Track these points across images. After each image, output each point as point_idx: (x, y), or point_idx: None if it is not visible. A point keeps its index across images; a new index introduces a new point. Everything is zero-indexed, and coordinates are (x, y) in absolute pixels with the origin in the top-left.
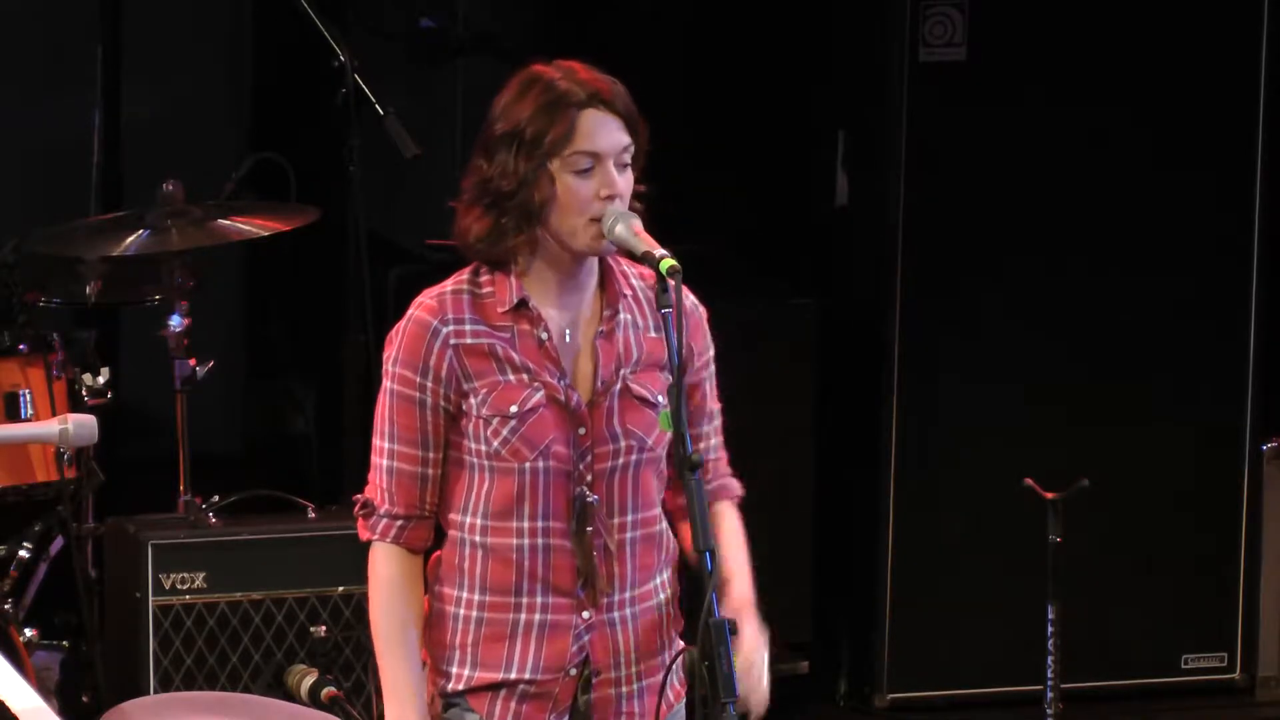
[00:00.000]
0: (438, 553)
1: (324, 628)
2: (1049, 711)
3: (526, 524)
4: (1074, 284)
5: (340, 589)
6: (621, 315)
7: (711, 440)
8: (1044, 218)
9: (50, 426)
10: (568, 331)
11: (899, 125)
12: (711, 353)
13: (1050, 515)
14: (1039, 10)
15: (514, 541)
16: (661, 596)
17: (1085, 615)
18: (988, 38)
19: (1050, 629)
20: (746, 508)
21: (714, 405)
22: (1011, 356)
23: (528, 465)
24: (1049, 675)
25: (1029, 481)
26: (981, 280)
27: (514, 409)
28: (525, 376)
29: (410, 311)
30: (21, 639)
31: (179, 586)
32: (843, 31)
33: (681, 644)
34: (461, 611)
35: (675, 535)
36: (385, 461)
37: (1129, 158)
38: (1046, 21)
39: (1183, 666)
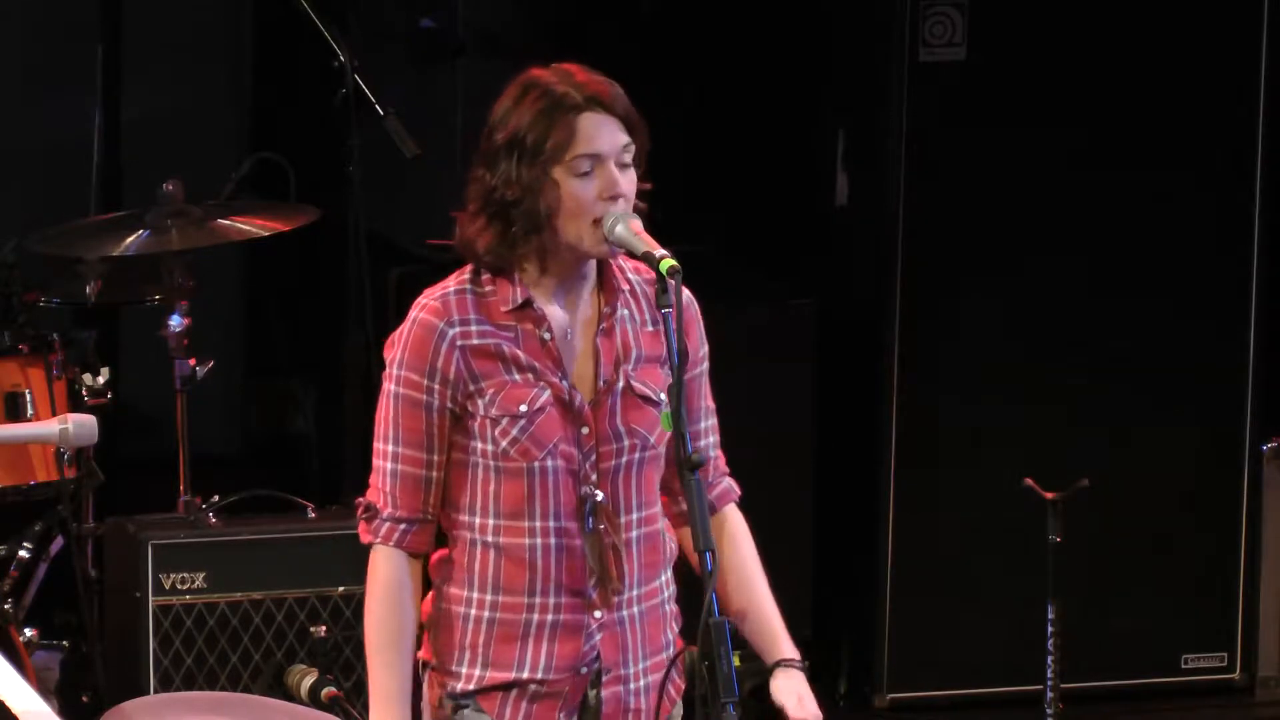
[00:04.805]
0: (440, 553)
1: (324, 628)
2: (1049, 711)
3: (539, 523)
4: (1074, 283)
5: (340, 589)
6: (620, 311)
7: (710, 439)
8: (1044, 217)
9: (50, 426)
10: (569, 331)
11: (899, 125)
12: (706, 349)
13: (1050, 515)
14: (1039, 10)
15: (527, 541)
16: (665, 594)
17: (1085, 615)
18: (988, 38)
19: (1050, 629)
20: (747, 508)
21: (709, 404)
22: (1011, 356)
23: (536, 464)
24: (1049, 675)
25: (1029, 481)
26: (981, 280)
27: (523, 408)
28: (531, 376)
29: (414, 313)
30: (21, 639)
31: (179, 586)
32: (843, 31)
33: (680, 641)
34: (472, 612)
35: (676, 539)
36: (389, 465)
37: (1129, 158)
38: (1046, 22)
39: (1183, 666)
